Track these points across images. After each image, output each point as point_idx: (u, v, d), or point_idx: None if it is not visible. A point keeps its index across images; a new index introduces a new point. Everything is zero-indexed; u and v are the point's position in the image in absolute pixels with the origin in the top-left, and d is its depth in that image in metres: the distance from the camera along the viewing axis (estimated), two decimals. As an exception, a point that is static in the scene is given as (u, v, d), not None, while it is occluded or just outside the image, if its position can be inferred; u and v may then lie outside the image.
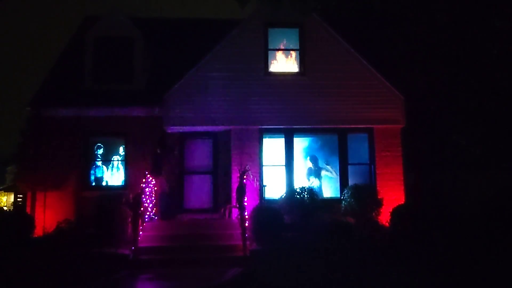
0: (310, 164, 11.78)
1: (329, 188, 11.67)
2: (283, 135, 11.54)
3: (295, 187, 10.92)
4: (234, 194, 10.50)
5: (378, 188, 11.10)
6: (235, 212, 10.34)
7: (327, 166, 11.71)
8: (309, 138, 11.99)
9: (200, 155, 11.94)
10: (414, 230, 9.47)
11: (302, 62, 11.70)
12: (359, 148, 11.70)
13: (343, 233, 9.27)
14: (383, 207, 10.61)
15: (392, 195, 11.00)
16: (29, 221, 10.24)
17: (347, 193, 10.77)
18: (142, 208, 9.56)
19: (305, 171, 11.71)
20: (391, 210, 10.30)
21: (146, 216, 10.07)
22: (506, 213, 9.76)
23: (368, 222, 10.30)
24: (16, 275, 7.77)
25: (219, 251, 9.02)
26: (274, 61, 11.82)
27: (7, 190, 27.18)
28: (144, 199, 9.81)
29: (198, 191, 11.75)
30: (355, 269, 7.80)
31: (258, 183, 11.10)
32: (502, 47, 13.43)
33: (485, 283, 7.17)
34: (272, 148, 11.61)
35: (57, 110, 11.74)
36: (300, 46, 11.76)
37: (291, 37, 11.86)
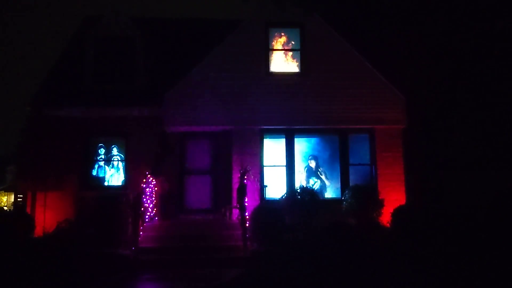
0: (310, 165, 11.75)
1: (330, 188, 11.64)
2: (284, 135, 11.52)
3: (296, 188, 10.90)
4: (234, 195, 10.47)
5: (379, 188, 11.08)
6: (235, 213, 10.31)
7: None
8: (310, 138, 11.96)
9: (201, 155, 11.92)
10: (415, 230, 9.44)
11: (303, 62, 11.68)
12: (360, 148, 11.68)
13: (344, 234, 9.25)
14: (384, 207, 10.59)
15: (393, 196, 10.98)
16: (29, 221, 10.23)
17: (348, 194, 10.75)
18: (142, 209, 9.53)
19: (305, 172, 11.69)
20: (392, 211, 10.28)
21: (147, 217, 10.05)
22: (507, 214, 9.74)
23: (369, 222, 10.28)
24: (16, 275, 7.75)
25: (219, 252, 8.99)
26: (275, 61, 11.80)
27: (7, 190, 27.15)
28: (144, 199, 9.79)
29: (199, 192, 11.72)
30: (355, 270, 7.77)
31: (258, 184, 11.07)
32: (503, 47, 13.40)
33: (486, 283, 7.15)
34: (273, 148, 11.58)
35: (57, 109, 11.72)
36: (301, 46, 11.74)
37: (292, 37, 11.85)
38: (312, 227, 9.85)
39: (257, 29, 11.64)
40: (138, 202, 9.26)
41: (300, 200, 10.37)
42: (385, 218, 10.44)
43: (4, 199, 27.20)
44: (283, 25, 11.82)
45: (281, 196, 10.92)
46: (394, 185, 11.24)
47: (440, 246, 8.87)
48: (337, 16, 14.81)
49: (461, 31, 13.67)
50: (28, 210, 11.08)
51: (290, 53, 11.92)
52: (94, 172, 11.89)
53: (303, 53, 11.69)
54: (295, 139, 11.57)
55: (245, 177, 10.07)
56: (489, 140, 13.27)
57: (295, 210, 10.25)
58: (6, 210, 14.67)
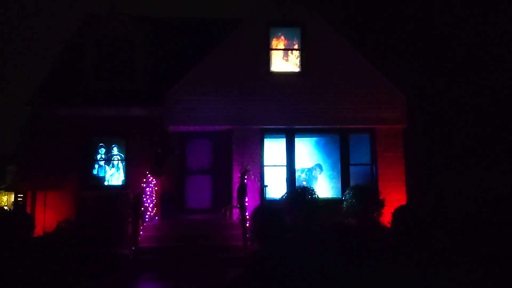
0: (311, 165, 11.73)
1: (330, 188, 11.62)
2: (284, 135, 11.49)
3: (296, 188, 10.87)
4: (235, 194, 10.45)
5: (379, 188, 11.04)
6: (236, 213, 10.30)
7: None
8: (311, 138, 11.94)
9: (201, 155, 11.90)
10: (415, 231, 9.43)
11: (303, 61, 11.65)
12: (360, 148, 11.65)
13: (344, 234, 9.24)
14: (384, 208, 10.55)
15: (393, 196, 10.95)
16: (29, 221, 10.23)
17: (349, 194, 10.72)
18: (142, 208, 9.52)
19: (306, 171, 11.67)
20: (392, 211, 10.25)
21: (147, 216, 10.03)
22: (507, 214, 9.73)
23: (370, 223, 10.25)
24: (16, 275, 7.74)
25: (219, 252, 8.98)
26: (276, 61, 11.77)
27: (7, 189, 27.15)
28: (144, 199, 9.77)
29: (199, 191, 11.71)
30: (355, 271, 7.76)
31: (259, 183, 11.05)
32: (503, 47, 13.40)
33: (486, 283, 7.13)
34: (273, 148, 11.56)
35: (57, 109, 11.71)
36: (301, 45, 11.71)
37: (292, 37, 11.83)
38: (312, 227, 9.84)
39: (257, 29, 11.62)
40: (138, 201, 9.24)
41: (301, 200, 10.35)
42: (386, 218, 10.41)
43: (4, 198, 27.19)
44: (283, 24, 11.79)
45: (281, 196, 10.90)
46: (394, 185, 11.21)
47: (441, 246, 8.86)
48: (338, 15, 14.80)
49: (461, 31, 13.67)
50: (28, 209, 11.06)
51: (291, 53, 11.90)
52: (94, 172, 11.87)
53: (303, 53, 11.66)
54: (296, 139, 11.54)
55: (246, 177, 10.05)
56: (489, 140, 13.26)
57: (295, 210, 10.23)
58: (6, 209, 14.66)
